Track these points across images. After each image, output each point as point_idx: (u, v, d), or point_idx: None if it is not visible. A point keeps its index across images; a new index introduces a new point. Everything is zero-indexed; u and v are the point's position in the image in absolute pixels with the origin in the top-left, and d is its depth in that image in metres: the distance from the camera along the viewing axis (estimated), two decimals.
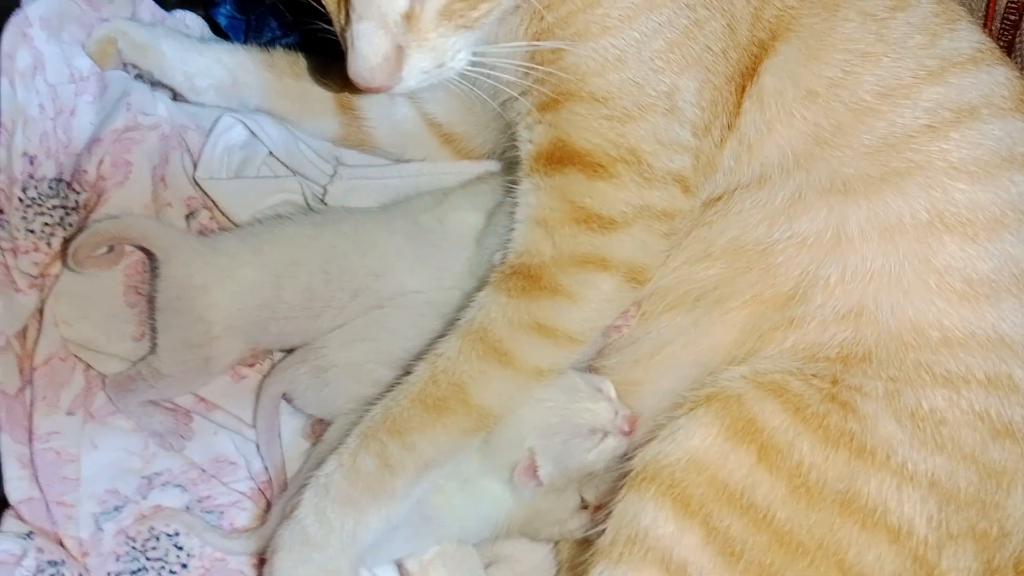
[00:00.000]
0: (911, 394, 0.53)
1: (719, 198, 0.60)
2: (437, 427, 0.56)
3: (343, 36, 0.52)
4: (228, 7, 0.76)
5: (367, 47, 0.50)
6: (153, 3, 0.75)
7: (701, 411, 0.53)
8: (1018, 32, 0.69)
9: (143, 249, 0.64)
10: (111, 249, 0.63)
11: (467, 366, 0.56)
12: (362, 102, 0.71)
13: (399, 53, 0.51)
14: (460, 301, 0.61)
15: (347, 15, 0.51)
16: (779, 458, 0.52)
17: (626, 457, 0.56)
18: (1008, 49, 0.69)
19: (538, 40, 0.57)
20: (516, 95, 0.59)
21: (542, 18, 0.56)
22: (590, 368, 0.62)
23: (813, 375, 0.54)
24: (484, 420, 0.57)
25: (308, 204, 0.70)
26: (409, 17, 0.50)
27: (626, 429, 0.59)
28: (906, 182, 0.56)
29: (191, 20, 0.78)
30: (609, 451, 0.59)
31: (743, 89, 0.59)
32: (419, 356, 0.58)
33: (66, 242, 0.63)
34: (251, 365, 0.66)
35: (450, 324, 0.59)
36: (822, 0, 0.59)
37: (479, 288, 0.59)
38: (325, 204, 0.70)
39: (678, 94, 0.57)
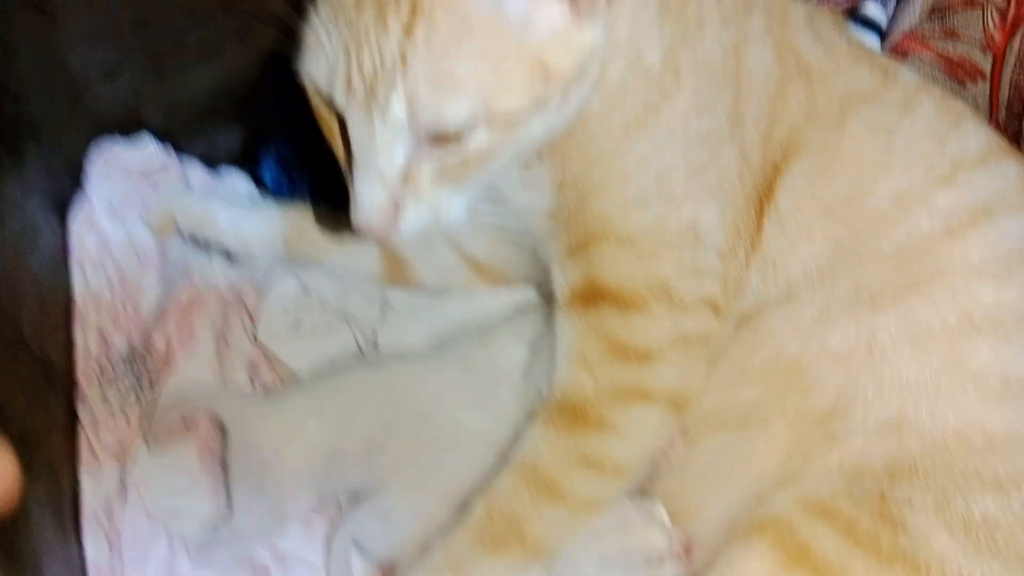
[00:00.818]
0: (961, 502, 0.54)
1: (750, 317, 0.62)
2: (495, 562, 0.58)
3: (349, 187, 0.56)
4: (272, 166, 0.82)
5: (367, 201, 0.54)
6: (203, 171, 0.81)
7: (756, 541, 0.54)
8: (1023, 121, 0.71)
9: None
10: (186, 426, 0.67)
11: (520, 502, 0.58)
12: (405, 248, 0.76)
13: (396, 207, 0.54)
14: (513, 435, 0.64)
15: (351, 169, 0.55)
16: None
17: None
18: (1016, 138, 0.70)
19: (563, 188, 0.60)
20: (547, 237, 0.62)
21: (565, 170, 0.60)
22: (641, 491, 0.63)
23: (862, 492, 0.55)
24: (540, 553, 0.59)
25: (361, 350, 0.74)
26: (407, 177, 0.54)
27: (681, 554, 0.60)
28: (931, 288, 0.58)
29: (238, 181, 0.83)
30: None
31: (762, 209, 0.61)
32: (478, 492, 0.61)
33: (141, 414, 0.68)
34: (320, 512, 0.68)
35: (505, 459, 0.62)
36: (828, 117, 0.62)
37: (529, 421, 0.62)
38: (378, 347, 0.74)
39: (700, 223, 0.59)
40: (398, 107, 0.51)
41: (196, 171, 0.81)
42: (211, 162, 0.83)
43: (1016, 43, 0.72)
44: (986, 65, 0.73)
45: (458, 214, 0.57)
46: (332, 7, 0.52)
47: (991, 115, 0.72)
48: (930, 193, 0.60)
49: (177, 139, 0.80)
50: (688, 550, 0.60)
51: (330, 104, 0.54)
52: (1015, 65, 0.72)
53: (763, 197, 0.62)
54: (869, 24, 0.74)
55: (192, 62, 0.76)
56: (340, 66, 0.51)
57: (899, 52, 0.74)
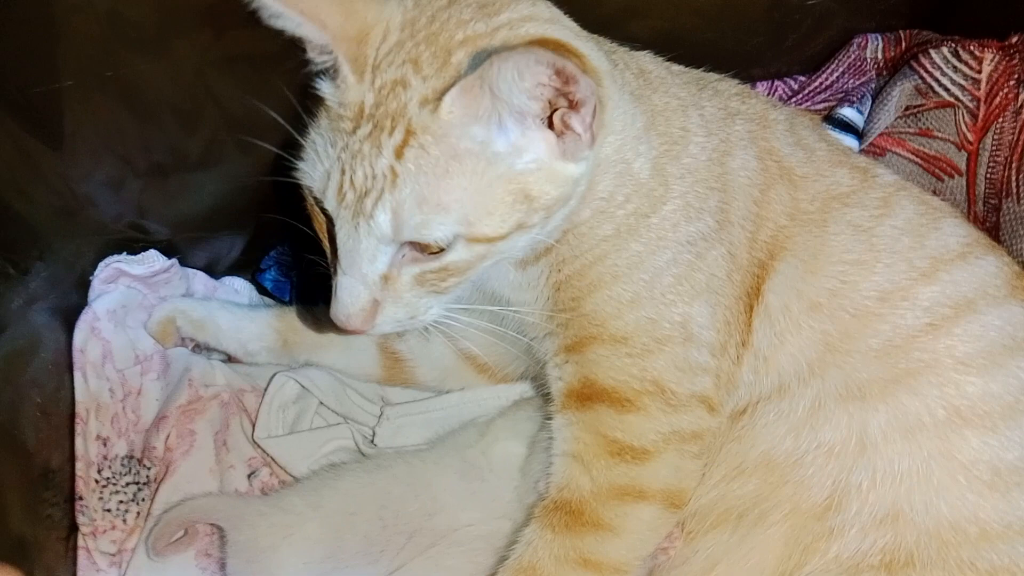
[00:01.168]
0: None
1: (744, 411, 0.63)
2: None
3: (332, 282, 0.58)
4: (273, 272, 0.84)
5: (347, 298, 0.56)
6: (205, 276, 0.83)
7: None
8: (1000, 213, 0.73)
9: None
10: (185, 532, 0.67)
11: None
12: (401, 346, 0.77)
13: (375, 306, 0.57)
14: (512, 530, 0.64)
15: (335, 266, 0.57)
16: None
17: None
18: (994, 230, 0.73)
19: (559, 290, 0.62)
20: (542, 337, 0.64)
21: (560, 271, 0.62)
22: None
23: None
24: None
25: (359, 448, 0.74)
26: (387, 278, 0.56)
27: None
28: (918, 381, 0.59)
29: (239, 285, 0.85)
30: None
31: (751, 308, 0.63)
32: None
33: (139, 518, 0.68)
34: None
35: (502, 557, 0.62)
36: (812, 218, 0.64)
37: (526, 520, 0.62)
38: (375, 445, 0.75)
39: (692, 322, 0.60)
40: (384, 219, 0.53)
41: (199, 279, 0.83)
42: (213, 271, 0.84)
43: (988, 141, 0.75)
44: (961, 161, 0.76)
45: (435, 314, 0.59)
46: (331, 122, 0.55)
47: (969, 208, 0.75)
48: (913, 289, 0.62)
49: (180, 249, 0.81)
50: None
51: (322, 207, 0.56)
52: (988, 162, 0.75)
53: (752, 295, 0.63)
54: (846, 126, 0.77)
55: (193, 173, 0.78)
56: (335, 176, 0.54)
57: (877, 150, 0.77)
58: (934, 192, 0.73)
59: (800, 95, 0.80)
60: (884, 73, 0.80)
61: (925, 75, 0.75)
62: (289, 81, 0.60)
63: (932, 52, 0.75)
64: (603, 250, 0.61)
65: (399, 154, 0.52)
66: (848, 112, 0.77)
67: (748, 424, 0.62)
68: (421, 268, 0.55)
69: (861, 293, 0.62)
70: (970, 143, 0.75)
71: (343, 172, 0.53)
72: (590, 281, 0.61)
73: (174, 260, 0.80)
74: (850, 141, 0.77)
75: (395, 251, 0.55)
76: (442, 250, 0.54)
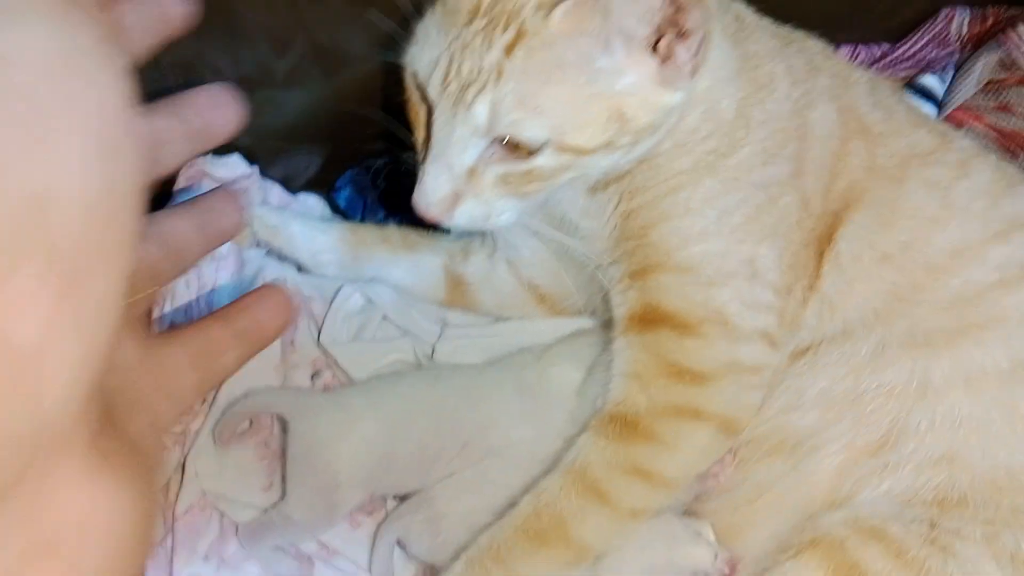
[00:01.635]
0: (1009, 536, 0.55)
1: (806, 350, 0.64)
2: (538, 558, 0.59)
3: (418, 168, 0.60)
4: (347, 191, 0.86)
5: (432, 184, 0.58)
6: (281, 189, 0.86)
7: (806, 556, 0.55)
8: None
9: None
10: (250, 424, 0.70)
11: (567, 503, 0.60)
12: (467, 268, 0.79)
13: (456, 199, 0.58)
14: (561, 449, 0.65)
15: (426, 154, 0.59)
16: None
17: None
18: None
19: (627, 218, 0.63)
20: (608, 263, 0.65)
21: (631, 199, 0.63)
22: (690, 512, 0.64)
23: (912, 519, 0.56)
24: (583, 554, 0.60)
25: (419, 362, 0.76)
26: (472, 173, 0.58)
27: (726, 571, 0.61)
28: (984, 334, 0.60)
29: (313, 202, 0.87)
30: None
31: (822, 254, 0.64)
32: (525, 490, 0.63)
33: (206, 406, 0.70)
34: (368, 513, 0.70)
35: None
36: (888, 173, 0.65)
37: (579, 433, 0.64)
38: (434, 361, 0.76)
39: (758, 261, 0.62)
40: (482, 111, 0.55)
41: (275, 191, 0.85)
42: (289, 186, 0.87)
43: None
44: None
45: (509, 219, 0.61)
46: (447, 12, 0.57)
47: None
48: (985, 248, 0.63)
49: (260, 160, 0.84)
50: (733, 568, 0.60)
51: (423, 93, 0.58)
52: None
53: (823, 242, 0.64)
54: (926, 94, 0.78)
55: (278, 91, 0.81)
56: (442, 64, 0.56)
57: (954, 123, 0.78)
58: (1009, 161, 0.74)
59: (882, 62, 0.81)
60: (968, 48, 0.80)
61: (1011, 48, 0.76)
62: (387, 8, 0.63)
63: (1020, 26, 0.75)
64: (678, 182, 0.62)
65: (508, 52, 0.54)
66: (930, 80, 0.78)
67: (810, 362, 0.63)
68: (507, 168, 0.57)
69: (933, 248, 0.63)
70: None
71: (451, 62, 0.55)
72: (661, 212, 0.62)
73: (255, 168, 0.82)
74: (929, 110, 0.78)
75: (485, 146, 0.56)
76: (531, 154, 0.56)
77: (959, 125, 0.77)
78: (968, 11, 0.80)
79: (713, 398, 0.60)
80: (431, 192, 0.58)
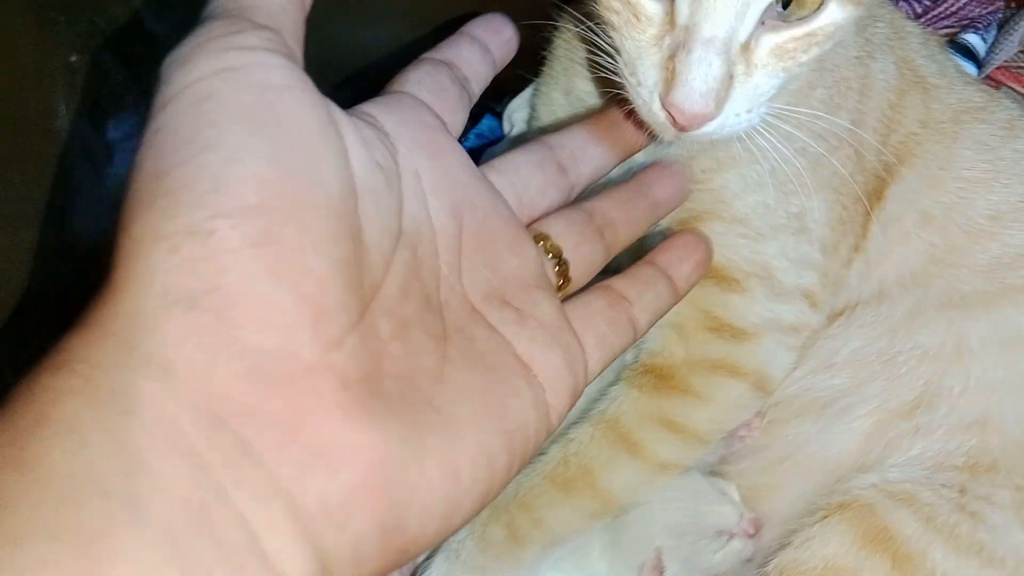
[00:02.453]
0: None
1: (841, 312, 0.63)
2: (564, 505, 0.58)
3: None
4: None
5: (704, 70, 0.47)
6: None
7: (835, 519, 0.55)
8: None
9: None
10: None
11: (596, 452, 0.59)
12: None
13: (729, 84, 0.48)
14: (595, 395, 0.64)
15: (684, 38, 0.48)
16: (912, 566, 0.54)
17: (759, 564, 0.58)
18: None
19: (694, 158, 0.59)
20: None
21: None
22: (718, 473, 0.64)
23: (942, 484, 0.56)
24: (609, 505, 0.59)
25: None
26: (745, 48, 0.49)
27: (751, 532, 0.61)
28: (1022, 297, 0.60)
29: None
30: (735, 553, 0.61)
31: (869, 212, 0.63)
32: (553, 440, 0.61)
33: None
34: None
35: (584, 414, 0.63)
36: (943, 128, 0.63)
37: (613, 380, 0.63)
38: None
39: (808, 215, 0.60)
40: None
41: None
42: None
43: None
44: None
45: (758, 117, 0.51)
46: None
47: None
48: None
49: None
50: (758, 529, 0.61)
51: None
52: None
53: (872, 200, 0.63)
54: (967, 53, 0.76)
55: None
56: None
57: (992, 84, 0.76)
58: None
59: (925, 18, 0.79)
60: (1012, 5, 0.78)
61: None
62: None
63: None
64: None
65: None
66: (972, 38, 0.76)
67: (844, 324, 0.63)
68: (783, 36, 0.49)
69: (975, 210, 0.62)
70: None
71: None
72: (725, 157, 0.60)
73: None
74: (970, 68, 0.76)
75: (767, 6, 0.48)
76: (811, 13, 0.49)
77: (997, 87, 0.76)
78: None
79: (751, 355, 0.59)
80: (704, 79, 0.47)
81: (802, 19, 0.49)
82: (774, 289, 0.60)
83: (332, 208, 0.34)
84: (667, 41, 0.48)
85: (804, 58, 0.51)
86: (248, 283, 0.31)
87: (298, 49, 0.38)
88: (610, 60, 0.52)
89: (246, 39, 0.35)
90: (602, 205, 0.52)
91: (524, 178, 0.49)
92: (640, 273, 0.52)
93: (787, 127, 0.57)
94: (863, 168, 0.62)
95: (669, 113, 0.48)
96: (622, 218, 0.52)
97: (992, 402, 0.58)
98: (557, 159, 0.51)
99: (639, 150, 0.56)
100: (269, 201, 0.32)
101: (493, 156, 0.52)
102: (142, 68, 0.65)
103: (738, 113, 0.50)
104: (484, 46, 0.53)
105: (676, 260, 0.53)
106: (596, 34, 0.53)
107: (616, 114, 0.55)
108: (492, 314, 0.42)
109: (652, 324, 0.51)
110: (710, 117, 0.48)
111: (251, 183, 0.32)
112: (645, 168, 0.56)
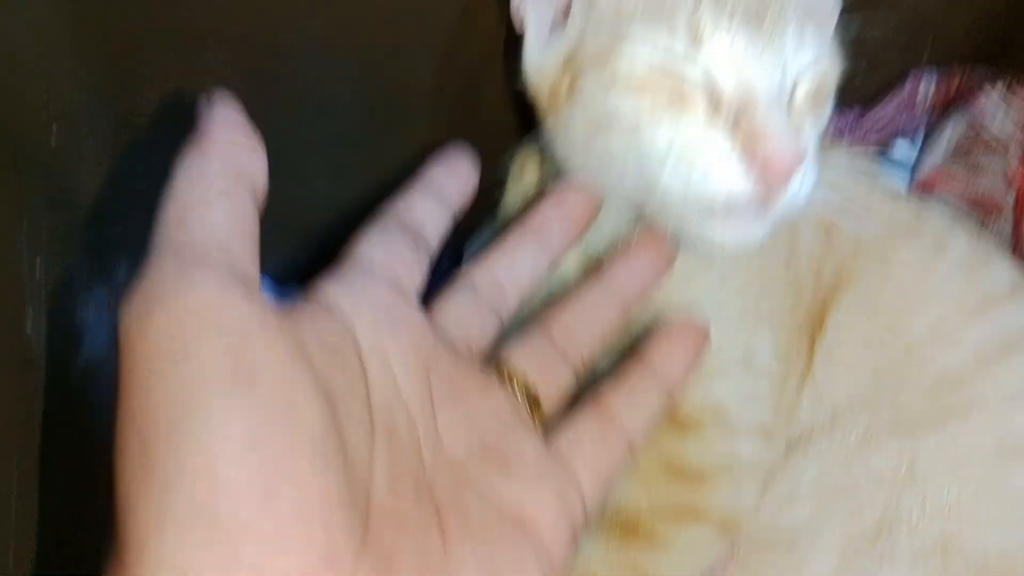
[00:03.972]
0: None
1: (797, 442, 0.65)
2: None
3: (730, 139, 0.49)
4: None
5: (780, 118, 0.48)
6: (269, 284, 0.86)
7: None
8: None
9: None
10: None
11: None
12: None
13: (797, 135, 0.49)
14: None
15: (733, 116, 0.49)
16: None
17: None
18: None
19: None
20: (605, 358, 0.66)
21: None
22: None
23: None
24: None
25: None
26: (790, 100, 0.52)
27: None
28: (968, 415, 0.62)
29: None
30: None
31: (814, 341, 0.65)
32: None
33: None
34: None
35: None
36: (875, 252, 0.66)
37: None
38: None
39: (754, 351, 0.62)
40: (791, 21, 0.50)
41: (265, 285, 0.86)
42: (280, 280, 0.87)
43: None
44: (1008, 201, 0.78)
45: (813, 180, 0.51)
46: None
47: (1014, 249, 0.77)
48: (964, 326, 0.64)
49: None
50: None
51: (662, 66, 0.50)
52: None
53: (815, 327, 0.65)
54: (897, 162, 0.79)
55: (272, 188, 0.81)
56: (704, 9, 0.49)
57: (926, 188, 0.79)
58: (981, 230, 0.75)
59: (853, 128, 0.82)
60: (936, 112, 0.82)
61: (977, 114, 0.77)
62: None
63: (985, 92, 0.77)
64: (685, 275, 0.61)
65: None
66: (899, 149, 0.79)
67: (802, 454, 0.64)
68: (807, 84, 0.52)
69: (915, 330, 0.64)
70: (1017, 183, 0.77)
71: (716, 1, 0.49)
72: (671, 306, 0.62)
73: None
74: (901, 175, 0.79)
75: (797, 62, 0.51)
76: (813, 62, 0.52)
77: (931, 190, 0.79)
78: (935, 74, 0.82)
79: (713, 497, 0.61)
80: (783, 126, 0.48)
81: (814, 67, 0.52)
82: (727, 427, 0.61)
83: (318, 447, 0.35)
84: (721, 115, 0.49)
85: (825, 105, 0.54)
86: (263, 555, 0.32)
87: (253, 267, 0.39)
88: (620, 182, 0.52)
89: (202, 282, 0.35)
90: (559, 319, 0.52)
91: (463, 326, 0.50)
92: (629, 376, 0.51)
93: (717, 272, 0.60)
94: (802, 299, 0.64)
95: (762, 171, 0.47)
96: (584, 330, 0.52)
97: (949, 525, 0.59)
98: (486, 295, 0.52)
99: (569, 247, 0.56)
100: (259, 467, 0.33)
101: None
102: (112, 271, 0.68)
103: (810, 165, 0.50)
104: (439, 194, 0.54)
105: (666, 357, 0.53)
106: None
107: (545, 212, 0.55)
108: (478, 470, 0.43)
109: (648, 433, 0.51)
110: (801, 158, 0.48)
111: (237, 453, 0.33)
112: (612, 260, 0.56)
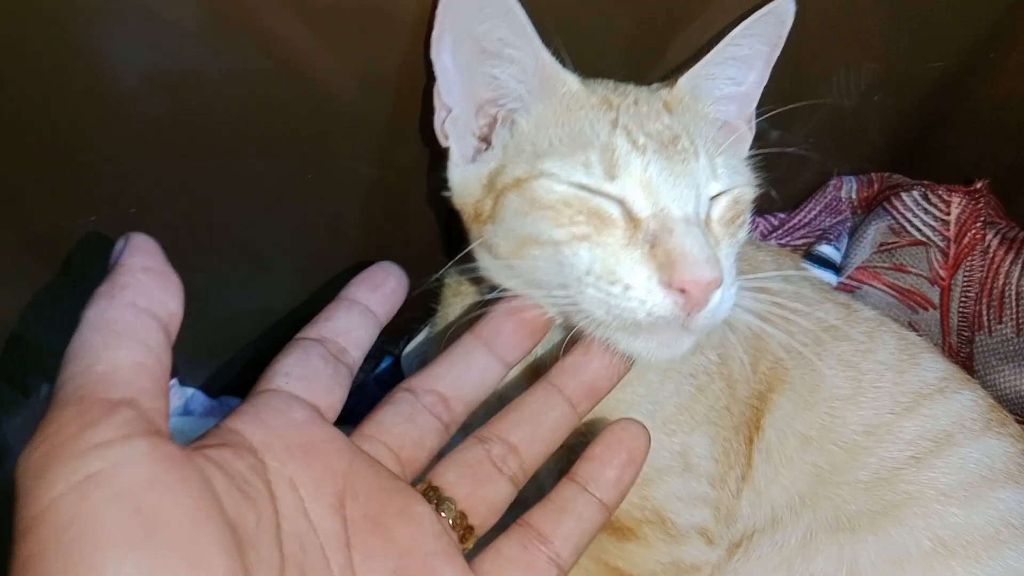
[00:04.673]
0: None
1: (739, 544, 0.64)
2: None
3: (648, 259, 0.50)
4: None
5: (698, 239, 0.49)
6: (202, 394, 0.84)
7: None
8: (973, 345, 0.77)
9: None
10: None
11: None
12: None
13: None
14: None
15: (651, 237, 0.50)
16: None
17: None
18: (968, 361, 0.77)
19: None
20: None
21: None
22: None
23: None
24: None
25: None
26: (707, 222, 0.53)
27: None
28: (905, 513, 0.62)
29: (236, 404, 0.86)
30: None
31: (751, 441, 0.65)
32: None
33: None
34: None
35: None
36: (806, 354, 0.66)
37: None
38: None
39: (691, 451, 0.62)
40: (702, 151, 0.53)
41: (196, 398, 0.84)
42: (210, 390, 0.86)
43: (960, 277, 0.80)
44: (934, 295, 0.80)
45: (734, 297, 0.52)
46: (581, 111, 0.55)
47: (944, 339, 0.79)
48: (896, 423, 0.65)
49: (179, 369, 0.82)
50: None
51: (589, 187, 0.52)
52: (960, 296, 0.79)
53: (752, 429, 0.66)
54: (824, 262, 0.82)
55: (201, 302, 0.80)
56: (617, 140, 0.52)
57: (854, 283, 0.82)
58: (910, 323, 0.77)
59: (780, 230, 0.85)
60: (859, 212, 0.85)
61: (898, 215, 0.81)
62: None
63: (904, 195, 0.80)
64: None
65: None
66: (826, 249, 0.82)
67: (743, 557, 0.64)
68: (722, 205, 0.54)
69: (849, 427, 0.65)
70: (942, 279, 0.80)
71: (629, 131, 0.52)
72: (607, 406, 0.60)
73: (175, 380, 0.81)
74: (829, 276, 0.81)
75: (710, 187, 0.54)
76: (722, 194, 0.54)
77: (859, 285, 0.81)
78: (855, 179, 0.85)
79: None
80: (701, 247, 0.48)
81: (726, 191, 0.54)
82: (669, 532, 0.61)
83: None
84: (639, 237, 0.50)
85: (741, 226, 0.56)
86: None
87: (161, 404, 0.38)
88: (546, 294, 0.52)
89: (101, 433, 0.34)
90: (502, 427, 0.51)
91: (397, 437, 0.49)
92: (559, 496, 0.50)
93: (654, 374, 0.60)
94: (737, 399, 0.65)
95: (681, 293, 0.48)
96: (527, 437, 0.51)
97: None
98: (427, 405, 0.51)
99: (524, 355, 0.55)
100: None
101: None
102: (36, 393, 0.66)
103: (729, 284, 0.51)
104: (363, 308, 0.53)
105: (598, 469, 0.51)
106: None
107: (497, 322, 0.54)
108: None
109: (581, 550, 0.49)
110: (719, 282, 0.48)
111: None
112: (557, 363, 0.55)
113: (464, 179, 0.57)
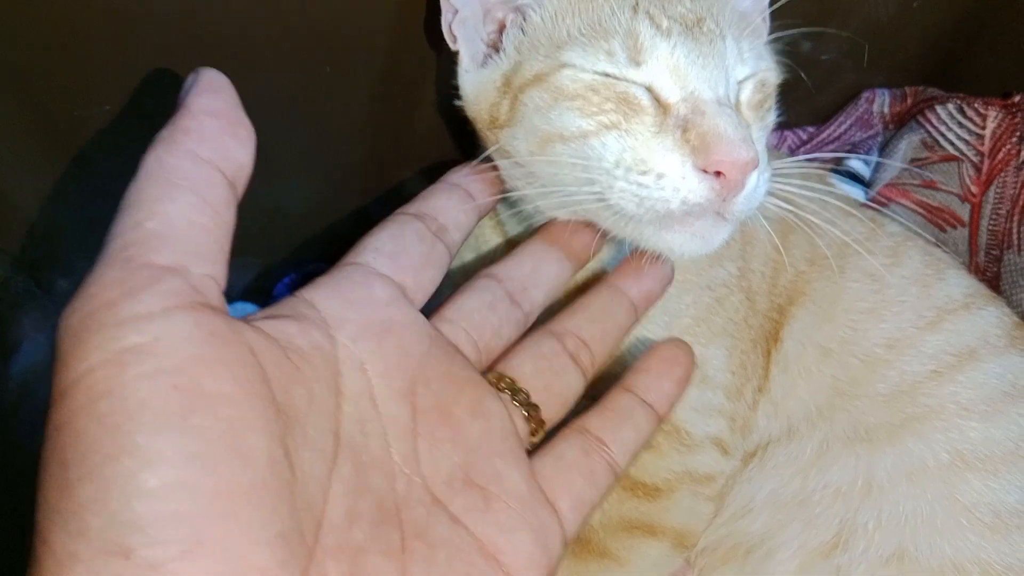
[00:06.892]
0: None
1: (754, 454, 0.64)
2: None
3: (681, 144, 0.47)
4: (283, 293, 0.85)
5: (731, 119, 0.47)
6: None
7: None
8: (1001, 264, 0.76)
9: None
10: None
11: None
12: None
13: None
14: None
15: (682, 122, 0.48)
16: None
17: None
18: (995, 280, 0.75)
19: None
20: None
21: None
22: None
23: None
24: None
25: None
26: (737, 106, 0.52)
27: None
28: (924, 426, 0.61)
29: (250, 309, 0.86)
30: None
31: (769, 353, 0.65)
32: None
33: None
34: None
35: None
36: (830, 263, 0.66)
37: None
38: None
39: (708, 363, 0.62)
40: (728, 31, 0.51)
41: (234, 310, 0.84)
42: (226, 295, 0.86)
43: (991, 194, 0.77)
44: (964, 213, 0.78)
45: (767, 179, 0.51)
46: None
47: (971, 258, 0.77)
48: (919, 337, 0.64)
49: None
50: None
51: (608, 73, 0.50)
52: (991, 214, 0.77)
53: (770, 341, 0.65)
54: (853, 177, 0.80)
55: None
56: (640, 24, 0.50)
57: (882, 200, 0.80)
58: (938, 242, 0.76)
59: (809, 144, 0.83)
60: (891, 127, 0.82)
61: (931, 129, 0.78)
62: None
63: (938, 108, 0.78)
64: None
65: None
66: (855, 164, 0.80)
67: (758, 466, 0.64)
68: (750, 89, 0.53)
69: (871, 340, 0.64)
70: (973, 195, 0.78)
71: (651, 12, 0.50)
72: None
73: None
74: (857, 191, 0.79)
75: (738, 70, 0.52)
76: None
77: (887, 203, 0.79)
78: (887, 92, 0.82)
79: (667, 512, 0.60)
80: (735, 126, 0.46)
81: (752, 76, 0.53)
82: (683, 442, 0.61)
83: (260, 480, 0.32)
84: (669, 123, 0.48)
85: (769, 112, 0.54)
86: None
87: (215, 271, 0.35)
88: (570, 194, 0.51)
89: (143, 303, 0.32)
90: (573, 323, 0.51)
91: (477, 324, 0.47)
92: (616, 404, 0.49)
93: (672, 286, 0.59)
94: (756, 312, 0.64)
95: (717, 176, 0.46)
96: (597, 334, 0.51)
97: (906, 535, 0.59)
98: (508, 292, 0.50)
99: (593, 256, 0.55)
100: (186, 507, 0.30)
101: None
102: (50, 287, 0.66)
103: (763, 168, 0.49)
104: (464, 192, 0.52)
105: (655, 381, 0.51)
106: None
107: (563, 224, 0.54)
108: (455, 501, 0.40)
109: (633, 457, 0.49)
110: (755, 162, 0.46)
111: (163, 493, 0.30)
112: (617, 267, 0.55)
113: (476, 85, 0.56)
